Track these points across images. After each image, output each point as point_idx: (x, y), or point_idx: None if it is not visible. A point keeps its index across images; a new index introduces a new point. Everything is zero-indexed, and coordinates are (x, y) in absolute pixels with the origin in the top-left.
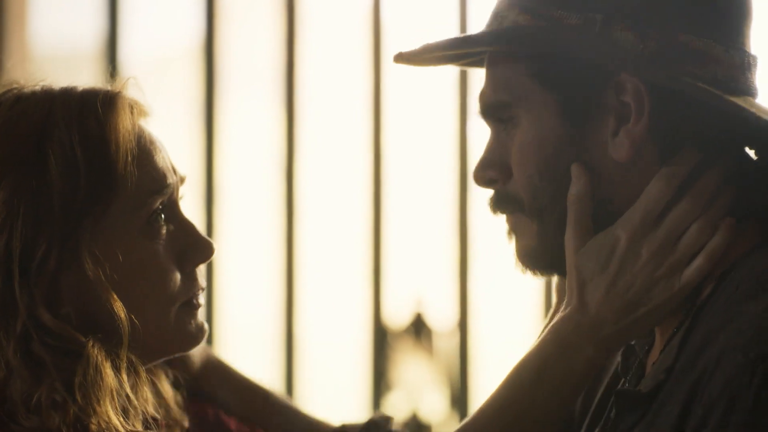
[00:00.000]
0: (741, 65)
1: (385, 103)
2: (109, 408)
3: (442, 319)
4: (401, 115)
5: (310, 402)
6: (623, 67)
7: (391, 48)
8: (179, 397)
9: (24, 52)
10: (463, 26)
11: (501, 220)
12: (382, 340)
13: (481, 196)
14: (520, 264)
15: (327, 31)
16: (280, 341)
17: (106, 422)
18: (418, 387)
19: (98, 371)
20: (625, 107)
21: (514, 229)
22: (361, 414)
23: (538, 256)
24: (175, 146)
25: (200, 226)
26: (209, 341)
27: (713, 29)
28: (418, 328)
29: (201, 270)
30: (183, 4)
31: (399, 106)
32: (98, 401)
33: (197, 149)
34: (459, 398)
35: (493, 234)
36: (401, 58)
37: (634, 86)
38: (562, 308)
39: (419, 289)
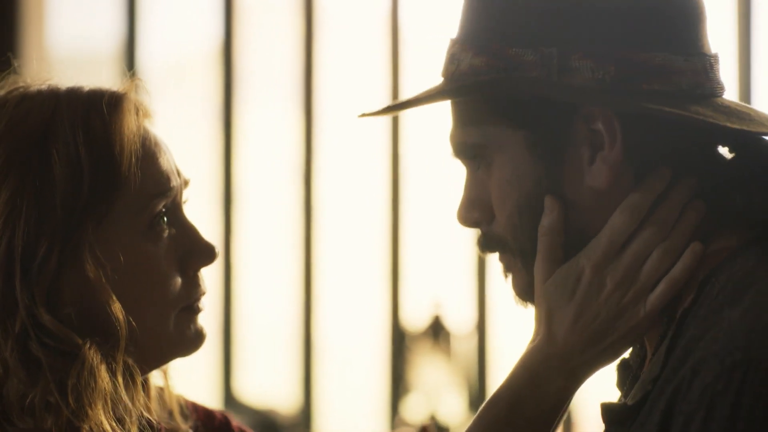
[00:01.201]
0: (703, 69)
1: None
2: (101, 412)
3: (460, 322)
4: (419, 117)
5: (329, 404)
6: (587, 101)
7: (409, 51)
8: (183, 401)
9: (42, 54)
10: None
11: None
12: (401, 342)
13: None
14: (518, 300)
15: (345, 34)
16: (298, 343)
17: (98, 426)
18: (436, 389)
19: (92, 374)
20: (597, 135)
21: (507, 269)
22: (379, 417)
23: (532, 291)
24: (194, 149)
25: (218, 228)
26: (228, 344)
27: (670, 41)
28: (437, 331)
29: (203, 274)
30: (201, 7)
31: (417, 108)
32: (91, 405)
33: (216, 152)
34: (477, 400)
35: None
36: (364, 115)
37: (602, 113)
38: (530, 339)
39: (437, 291)
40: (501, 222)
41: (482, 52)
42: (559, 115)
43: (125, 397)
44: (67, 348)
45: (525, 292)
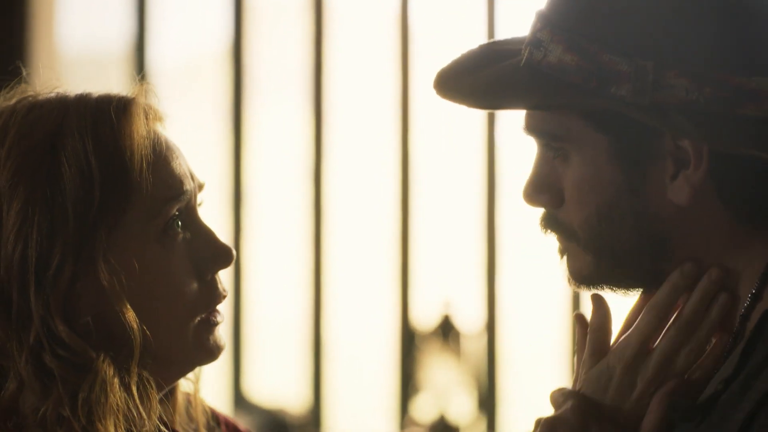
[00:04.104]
0: None
1: (413, 106)
2: (112, 428)
3: (469, 321)
4: (429, 117)
5: (338, 404)
6: (680, 132)
7: (419, 51)
8: (211, 411)
9: (52, 54)
10: (491, 28)
11: (528, 222)
12: (410, 342)
13: (508, 198)
14: (572, 283)
15: (355, 34)
16: (308, 343)
17: None
18: (445, 389)
19: (104, 388)
20: (683, 152)
21: (567, 252)
22: (388, 416)
23: (592, 280)
24: (204, 149)
25: (228, 228)
26: (237, 343)
27: (764, 65)
28: (446, 330)
29: (221, 278)
30: (211, 8)
31: (427, 108)
32: (101, 419)
33: (225, 152)
34: (487, 400)
35: (521, 236)
36: (440, 85)
37: None
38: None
39: (447, 291)
40: (576, 219)
41: (574, 49)
42: (646, 126)
43: (140, 411)
44: (81, 360)
45: (581, 275)
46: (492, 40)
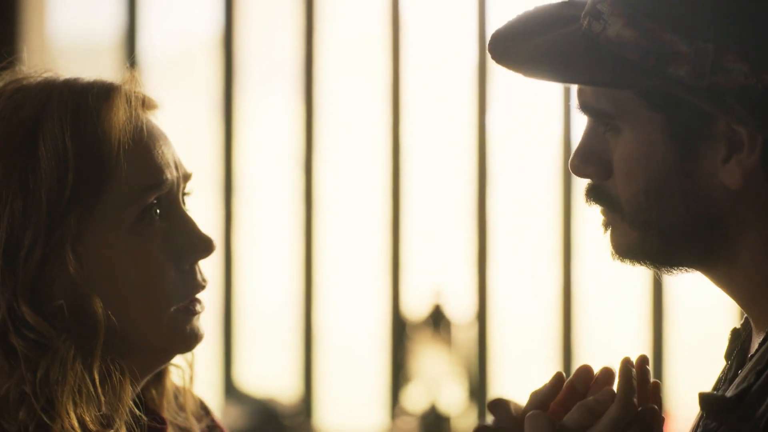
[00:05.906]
0: None
1: (403, 96)
2: (71, 408)
3: (460, 311)
4: (420, 107)
5: (329, 393)
6: (737, 120)
7: (410, 41)
8: (200, 401)
9: (43, 44)
10: (481, 21)
11: (519, 213)
12: (401, 331)
13: (499, 188)
14: (616, 256)
15: (346, 24)
16: (299, 333)
17: (68, 421)
18: (436, 378)
19: (64, 367)
20: (738, 136)
21: (611, 226)
22: (379, 406)
23: (636, 256)
24: (194, 140)
25: (219, 218)
26: (228, 333)
27: None
28: (437, 320)
29: (201, 268)
30: None
31: (418, 98)
32: (59, 399)
33: (216, 142)
34: (477, 390)
35: (512, 226)
36: (495, 49)
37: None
38: None
39: (438, 280)
40: (623, 193)
41: (634, 24)
42: (702, 108)
43: (99, 394)
44: (43, 341)
45: (624, 250)
46: (549, 3)
